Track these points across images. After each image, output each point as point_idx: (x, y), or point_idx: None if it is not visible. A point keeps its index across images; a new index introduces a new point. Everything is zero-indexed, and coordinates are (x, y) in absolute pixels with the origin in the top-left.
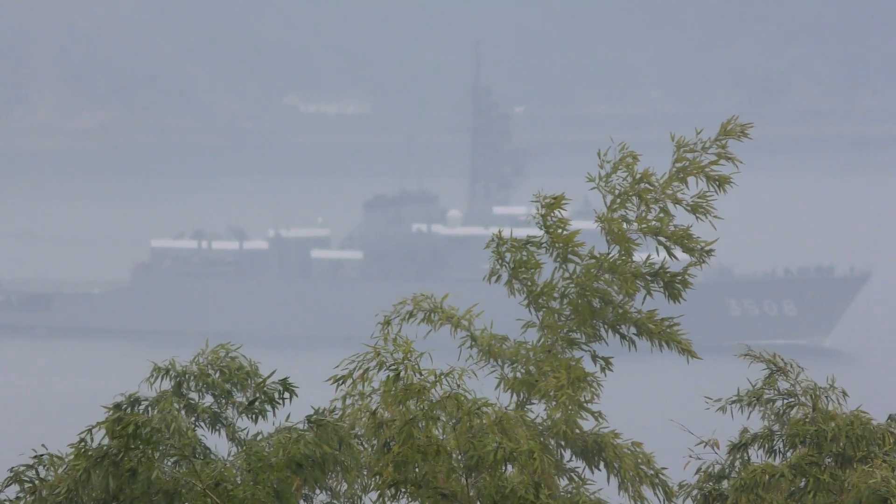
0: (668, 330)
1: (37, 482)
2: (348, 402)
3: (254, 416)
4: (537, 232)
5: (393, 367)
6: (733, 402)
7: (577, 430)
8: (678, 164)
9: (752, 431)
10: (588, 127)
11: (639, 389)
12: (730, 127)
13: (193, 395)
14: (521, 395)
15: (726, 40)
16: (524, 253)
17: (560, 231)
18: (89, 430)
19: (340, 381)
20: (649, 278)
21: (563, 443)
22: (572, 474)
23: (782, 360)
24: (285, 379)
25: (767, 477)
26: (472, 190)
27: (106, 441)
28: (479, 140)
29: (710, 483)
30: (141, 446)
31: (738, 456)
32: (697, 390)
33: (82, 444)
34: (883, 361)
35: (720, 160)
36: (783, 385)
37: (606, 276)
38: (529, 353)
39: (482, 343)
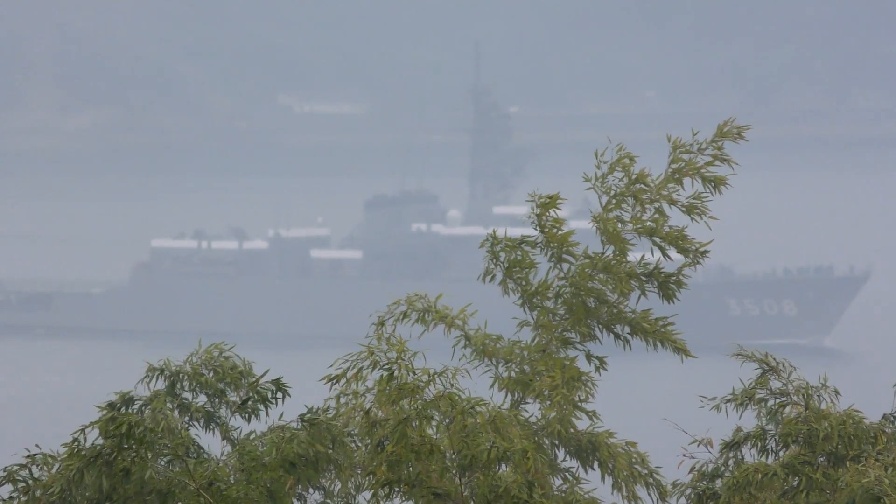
0: (662, 329)
1: (30, 482)
2: (342, 401)
3: (246, 416)
4: (536, 232)
5: (387, 367)
6: (728, 400)
7: (572, 430)
8: (674, 165)
9: (746, 431)
10: (582, 127)
11: (634, 389)
12: (726, 129)
13: (187, 395)
14: (516, 394)
15: (722, 40)
16: (518, 252)
17: (555, 231)
18: (82, 430)
19: (334, 381)
20: (644, 278)
21: (557, 442)
22: (566, 474)
23: (774, 359)
24: (278, 378)
25: (760, 476)
26: (472, 190)
27: (99, 441)
28: (479, 140)
29: (704, 482)
30: (134, 446)
31: (731, 455)
32: (694, 390)
33: (75, 443)
34: (883, 361)
35: (716, 161)
36: (775, 384)
37: (601, 275)
38: (524, 353)
39: (476, 342)
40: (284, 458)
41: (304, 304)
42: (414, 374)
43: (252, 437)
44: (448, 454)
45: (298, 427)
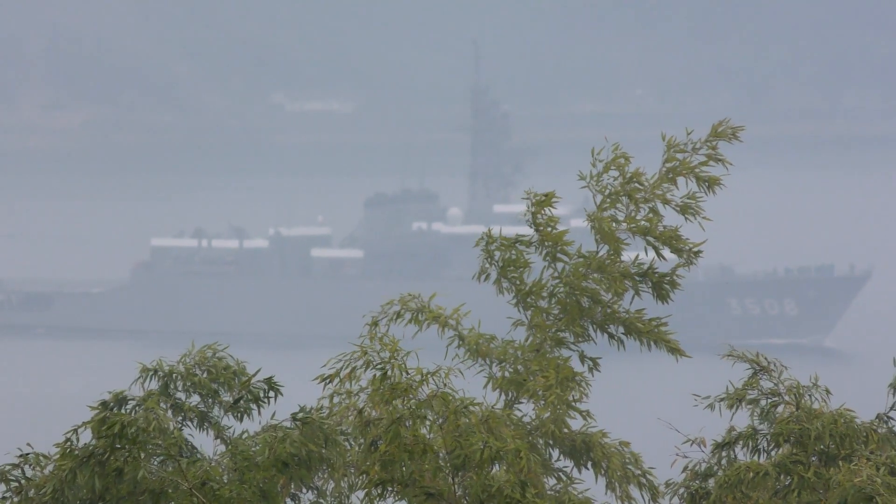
0: (656, 329)
1: (23, 482)
2: (336, 400)
3: (238, 415)
4: (532, 231)
5: (380, 366)
6: (721, 399)
7: (566, 430)
8: (668, 165)
9: (739, 430)
10: (578, 126)
11: (628, 389)
12: (721, 129)
13: (181, 395)
14: (510, 394)
15: (717, 40)
16: (513, 252)
17: (549, 229)
18: (75, 430)
19: (327, 381)
20: (638, 278)
21: (551, 442)
22: (560, 473)
23: (765, 359)
24: (270, 378)
25: (752, 475)
26: (472, 188)
27: (92, 441)
28: (478, 138)
29: (697, 481)
30: (127, 446)
31: (723, 454)
32: (688, 390)
33: (68, 443)
34: (883, 361)
35: (710, 161)
36: (767, 384)
37: (595, 275)
38: (518, 353)
39: (469, 342)
40: (277, 458)
41: (305, 304)
42: (407, 373)
43: (245, 436)
44: (441, 454)
45: (291, 426)
